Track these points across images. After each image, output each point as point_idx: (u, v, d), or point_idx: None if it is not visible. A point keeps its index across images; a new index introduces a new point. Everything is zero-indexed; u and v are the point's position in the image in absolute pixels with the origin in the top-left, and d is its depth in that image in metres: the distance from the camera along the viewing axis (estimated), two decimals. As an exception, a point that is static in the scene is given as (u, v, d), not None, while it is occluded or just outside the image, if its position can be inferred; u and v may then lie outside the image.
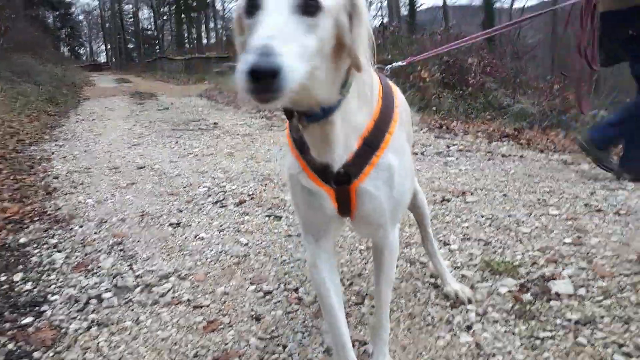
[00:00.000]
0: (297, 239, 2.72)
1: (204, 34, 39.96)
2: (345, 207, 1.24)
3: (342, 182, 1.19)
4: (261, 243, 2.70)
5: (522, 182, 3.69)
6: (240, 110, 9.11)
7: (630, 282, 1.99)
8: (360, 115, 1.16)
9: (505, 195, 3.34)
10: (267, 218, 3.10)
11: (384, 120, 1.21)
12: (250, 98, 0.80)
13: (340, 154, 1.15)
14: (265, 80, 0.75)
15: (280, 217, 3.10)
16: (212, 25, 41.45)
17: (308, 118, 1.07)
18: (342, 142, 1.14)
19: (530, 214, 2.93)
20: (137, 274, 2.35)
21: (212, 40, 40.27)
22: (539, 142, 5.82)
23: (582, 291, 1.95)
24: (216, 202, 3.47)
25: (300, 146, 1.20)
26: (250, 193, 3.66)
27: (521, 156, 4.81)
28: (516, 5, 31.86)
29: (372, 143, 1.19)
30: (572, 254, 2.32)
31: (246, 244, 2.69)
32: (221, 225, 3.00)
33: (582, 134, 4.17)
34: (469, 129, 6.63)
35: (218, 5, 40.63)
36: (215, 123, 7.70)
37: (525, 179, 3.77)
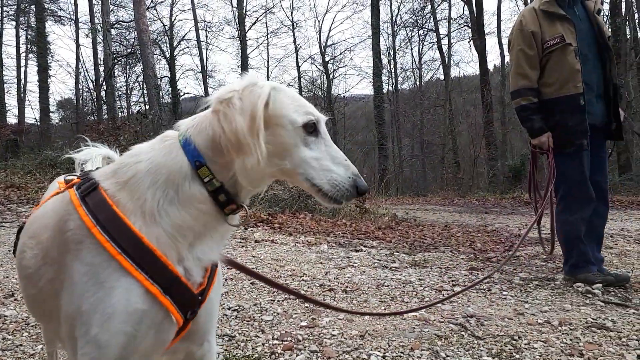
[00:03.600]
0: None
1: None
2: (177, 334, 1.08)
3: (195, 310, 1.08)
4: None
5: (270, 267, 3.89)
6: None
7: (350, 359, 2.21)
8: None
9: (252, 283, 3.45)
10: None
11: None
12: (346, 201, 1.12)
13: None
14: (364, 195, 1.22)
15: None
16: None
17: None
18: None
19: (274, 300, 3.08)
20: None
21: None
22: (289, 224, 6.32)
23: (311, 376, 2.08)
24: None
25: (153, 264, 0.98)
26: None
27: (272, 240, 5.12)
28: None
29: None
30: (306, 337, 2.48)
31: None
32: None
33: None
34: (228, 215, 6.83)
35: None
36: None
37: (273, 264, 3.99)
